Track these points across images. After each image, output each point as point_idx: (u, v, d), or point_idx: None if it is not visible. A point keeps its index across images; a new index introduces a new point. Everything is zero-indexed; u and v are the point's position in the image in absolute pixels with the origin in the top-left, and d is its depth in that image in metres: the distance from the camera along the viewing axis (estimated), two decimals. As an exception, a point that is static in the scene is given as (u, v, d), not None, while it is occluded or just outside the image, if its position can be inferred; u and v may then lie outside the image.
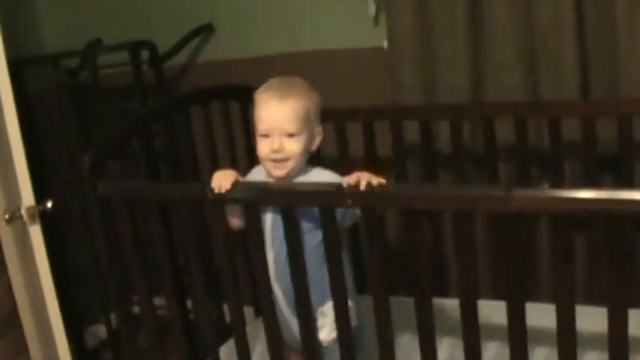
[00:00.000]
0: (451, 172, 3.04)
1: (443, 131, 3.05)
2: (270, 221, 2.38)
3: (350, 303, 2.33)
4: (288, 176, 2.40)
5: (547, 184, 2.94)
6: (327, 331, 2.38)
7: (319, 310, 2.41)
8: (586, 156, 2.80)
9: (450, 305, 2.54)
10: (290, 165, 2.37)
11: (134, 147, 2.92)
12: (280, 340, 2.44)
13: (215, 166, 3.04)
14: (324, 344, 2.42)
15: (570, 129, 2.84)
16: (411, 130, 3.06)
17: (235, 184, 2.30)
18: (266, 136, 2.36)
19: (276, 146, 2.34)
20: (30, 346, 4.00)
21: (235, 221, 2.48)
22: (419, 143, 3.03)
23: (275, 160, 2.37)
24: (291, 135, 2.34)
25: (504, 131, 2.92)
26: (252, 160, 3.13)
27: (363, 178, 2.10)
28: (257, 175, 2.51)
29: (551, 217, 1.89)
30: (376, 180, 2.11)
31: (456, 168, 2.99)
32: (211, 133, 3.12)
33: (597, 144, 2.77)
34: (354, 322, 2.35)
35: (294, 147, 2.35)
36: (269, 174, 2.44)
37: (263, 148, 2.38)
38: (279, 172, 2.38)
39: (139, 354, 2.80)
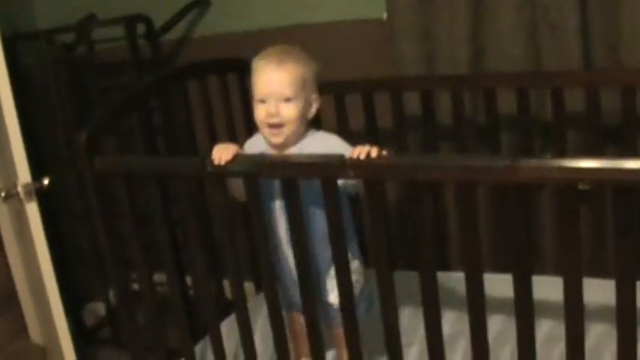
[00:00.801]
0: (452, 144, 3.01)
1: (443, 102, 3.02)
2: (279, 188, 2.35)
3: (357, 264, 2.34)
4: (286, 143, 2.38)
5: (549, 154, 2.91)
6: (336, 292, 2.36)
7: (329, 273, 2.40)
8: (589, 127, 2.78)
9: (451, 278, 2.52)
10: (286, 131, 2.36)
11: (131, 122, 2.89)
12: (281, 314, 2.43)
13: (213, 141, 3.01)
14: (334, 306, 2.41)
15: (573, 99, 2.81)
16: (412, 102, 3.03)
17: (236, 157, 2.27)
18: (263, 101, 2.36)
19: (272, 110, 2.34)
20: (29, 326, 3.99)
21: (238, 193, 2.45)
22: (419, 115, 3.00)
23: (271, 126, 2.36)
24: (287, 100, 2.34)
25: (506, 102, 2.88)
26: (251, 133, 3.11)
27: (365, 150, 2.08)
28: (256, 143, 2.47)
29: (557, 187, 1.86)
30: (377, 151, 2.09)
31: (457, 139, 2.96)
32: (209, 108, 3.09)
33: (600, 114, 2.74)
34: (361, 282, 2.33)
35: (290, 111, 2.34)
36: (268, 142, 2.41)
37: (260, 113, 2.37)
38: (276, 139, 2.37)
39: (138, 331, 2.77)
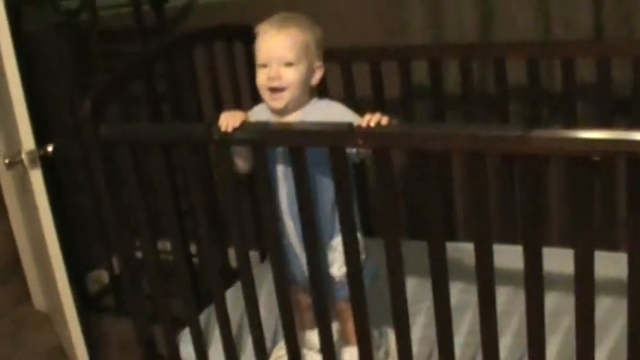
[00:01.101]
0: (460, 113, 2.98)
1: (452, 72, 2.99)
2: (282, 156, 2.33)
3: (358, 236, 2.32)
4: (288, 109, 2.35)
5: (558, 125, 2.89)
6: (337, 265, 2.36)
7: (329, 245, 2.38)
8: (599, 98, 2.75)
9: (457, 249, 2.51)
10: (287, 97, 2.32)
11: (136, 89, 2.86)
12: (287, 281, 2.42)
13: (219, 108, 2.99)
14: (336, 279, 2.40)
15: (583, 70, 2.78)
16: (420, 71, 3.00)
17: (243, 124, 2.25)
18: (264, 65, 2.33)
19: (273, 74, 2.30)
20: (32, 293, 4.01)
21: (241, 163, 2.44)
22: (427, 84, 2.97)
23: (272, 90, 2.33)
24: (289, 64, 2.30)
25: (515, 72, 2.86)
26: (257, 101, 3.09)
27: (375, 118, 2.05)
28: (259, 111, 2.45)
29: (569, 159, 1.85)
30: (386, 119, 2.07)
31: (465, 109, 2.94)
32: (215, 75, 3.06)
33: (611, 86, 2.71)
34: (362, 255, 2.32)
35: (291, 76, 2.30)
36: (269, 108, 2.39)
37: (261, 77, 2.34)
38: (277, 103, 2.34)
39: (142, 299, 2.77)
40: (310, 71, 2.36)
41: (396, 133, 2.06)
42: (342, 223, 2.20)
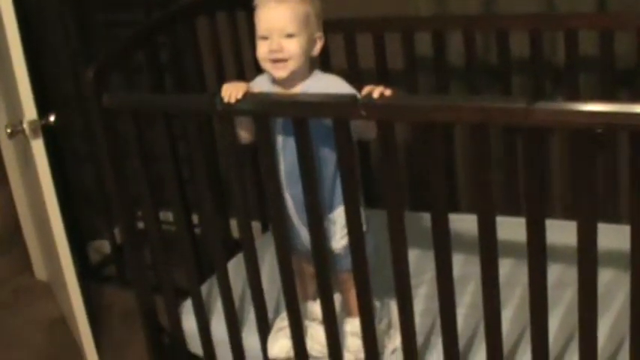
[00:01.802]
0: (463, 85, 2.98)
1: (455, 43, 2.98)
2: (281, 127, 2.33)
3: (361, 210, 2.31)
4: (291, 80, 2.33)
5: (560, 98, 2.89)
6: (337, 238, 2.35)
7: (328, 218, 2.38)
8: (601, 70, 2.74)
9: (459, 220, 2.51)
10: (291, 66, 2.30)
11: (138, 59, 2.86)
12: (290, 252, 2.42)
13: (221, 79, 2.99)
14: (336, 252, 2.40)
15: (586, 42, 2.77)
16: (423, 42, 2.98)
17: (246, 95, 2.24)
18: (265, 37, 2.31)
19: (274, 46, 2.29)
20: (33, 262, 4.01)
21: (243, 134, 2.43)
22: (431, 55, 2.96)
23: (274, 61, 2.31)
24: (290, 35, 2.29)
25: (518, 43, 2.85)
26: (260, 71, 3.08)
27: (378, 90, 2.05)
28: (260, 82, 2.44)
29: (573, 131, 1.84)
30: (389, 91, 2.06)
31: (468, 81, 2.93)
32: (217, 45, 3.05)
33: (614, 58, 2.70)
34: (364, 227, 2.32)
35: (293, 47, 2.29)
36: (272, 79, 2.38)
37: (262, 49, 2.32)
38: (280, 72, 2.32)
39: (144, 269, 2.77)
40: (311, 42, 2.35)
41: (400, 104, 2.05)
42: (345, 195, 2.19)
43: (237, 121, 2.40)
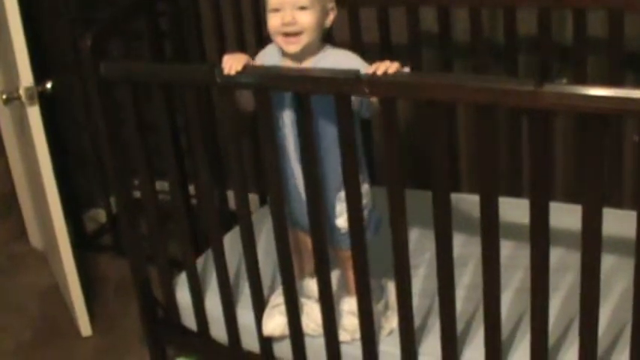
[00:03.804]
0: (468, 63, 2.94)
1: (461, 19, 2.93)
2: (290, 102, 2.28)
3: (366, 187, 2.31)
4: (303, 54, 2.28)
5: (565, 79, 2.85)
6: (345, 217, 2.30)
7: (338, 196, 2.35)
8: (611, 53, 2.69)
9: (460, 200, 2.48)
10: (304, 40, 2.25)
11: (138, 26, 2.81)
12: (287, 227, 2.38)
13: (222, 49, 2.95)
14: (342, 231, 2.37)
15: (595, 22, 2.72)
16: (428, 18, 2.94)
17: (246, 68, 2.20)
18: (277, 10, 2.25)
19: (288, 19, 2.22)
20: (28, 230, 3.99)
21: (244, 102, 2.38)
22: (435, 31, 2.92)
23: (287, 34, 2.25)
24: (303, 8, 2.22)
25: (526, 22, 2.81)
26: (262, 41, 3.04)
27: (383, 67, 2.00)
28: (269, 54, 2.39)
29: (580, 115, 1.80)
30: (394, 67, 2.01)
31: (474, 59, 2.89)
32: (219, 13, 3.01)
33: (623, 40, 2.66)
34: (370, 205, 2.31)
35: (307, 19, 2.22)
36: (282, 52, 2.32)
37: (274, 22, 2.25)
38: (293, 47, 2.26)
39: (139, 239, 2.74)
40: (324, 13, 2.29)
41: (403, 82, 2.00)
42: (344, 172, 2.15)
43: (241, 90, 2.35)
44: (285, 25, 2.22)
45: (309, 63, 2.29)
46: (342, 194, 2.27)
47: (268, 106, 2.22)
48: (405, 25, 2.92)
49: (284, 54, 2.31)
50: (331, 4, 2.30)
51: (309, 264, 2.49)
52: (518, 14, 2.79)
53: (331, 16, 2.31)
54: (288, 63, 2.31)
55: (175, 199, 2.60)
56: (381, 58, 2.07)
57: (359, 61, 2.22)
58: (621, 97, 1.72)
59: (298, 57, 2.28)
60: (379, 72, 1.99)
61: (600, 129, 1.78)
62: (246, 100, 2.36)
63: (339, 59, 2.26)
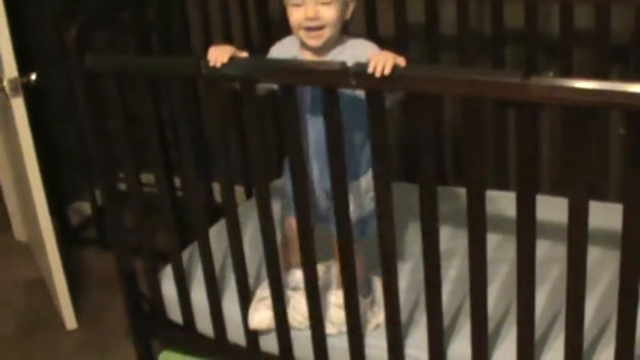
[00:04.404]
0: (455, 55, 2.93)
1: (448, 11, 2.92)
2: (310, 97, 2.28)
3: (364, 181, 2.31)
4: (325, 47, 2.28)
5: (552, 72, 2.84)
6: (352, 207, 2.29)
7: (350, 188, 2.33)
8: (597, 46, 2.69)
9: (447, 193, 2.48)
10: (327, 34, 2.24)
11: (124, 18, 2.80)
12: (272, 221, 2.37)
13: (209, 41, 2.94)
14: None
15: (582, 16, 2.72)
16: (415, 9, 2.93)
17: (232, 59, 2.19)
18: (298, 4, 2.24)
19: (311, 14, 2.22)
20: (13, 224, 3.97)
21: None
22: (422, 23, 2.91)
23: (309, 29, 2.24)
24: (325, 3, 2.22)
25: (513, 14, 2.80)
26: (248, 36, 3.03)
27: (379, 65, 1.96)
28: (288, 45, 2.38)
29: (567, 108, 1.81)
30: (390, 66, 1.96)
31: (460, 51, 2.88)
32: (205, 5, 2.99)
33: (610, 33, 2.66)
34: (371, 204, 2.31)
35: (329, 14, 2.22)
36: (303, 46, 2.32)
37: (296, 17, 2.24)
38: (315, 41, 2.25)
39: (124, 232, 2.73)
40: (345, 5, 2.28)
41: (391, 74, 1.98)
42: (331, 165, 2.15)
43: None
44: (308, 19, 2.22)
45: (329, 56, 2.28)
46: (353, 185, 2.29)
47: (254, 98, 2.22)
48: (392, 17, 2.92)
49: (303, 46, 2.31)
50: None
51: (296, 256, 2.48)
52: (504, 7, 2.79)
53: (351, 7, 2.31)
54: (307, 55, 2.31)
55: (161, 191, 2.59)
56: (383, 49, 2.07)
57: (376, 51, 2.20)
58: (608, 89, 1.73)
59: (318, 50, 2.28)
60: (377, 73, 1.96)
61: (587, 122, 1.78)
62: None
63: (358, 51, 2.23)
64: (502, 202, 2.23)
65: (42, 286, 3.51)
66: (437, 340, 2.22)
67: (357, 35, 2.66)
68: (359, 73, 1.98)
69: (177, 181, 2.91)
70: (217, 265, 2.64)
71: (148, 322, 2.83)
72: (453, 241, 2.56)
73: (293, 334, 2.49)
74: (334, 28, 2.24)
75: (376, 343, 2.36)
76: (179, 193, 2.99)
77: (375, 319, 2.44)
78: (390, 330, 2.28)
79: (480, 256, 2.03)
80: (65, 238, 3.59)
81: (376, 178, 2.09)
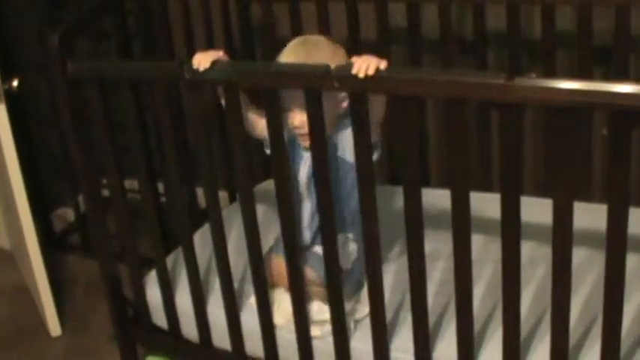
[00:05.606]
0: (437, 58, 2.93)
1: (430, 15, 2.93)
2: (306, 175, 2.34)
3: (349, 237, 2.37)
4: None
5: (534, 74, 2.85)
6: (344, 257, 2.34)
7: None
8: (579, 47, 2.70)
9: (430, 195, 2.47)
10: None
11: (106, 25, 2.79)
12: (256, 225, 2.37)
13: (191, 48, 2.94)
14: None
15: (564, 18, 2.74)
16: (397, 13, 2.94)
17: (215, 64, 2.18)
18: (289, 109, 2.26)
19: (297, 123, 2.24)
20: (-5, 230, 3.95)
21: (257, 128, 2.37)
22: (404, 27, 2.91)
23: (300, 134, 2.27)
24: None
25: (495, 17, 2.82)
26: (230, 42, 3.03)
27: (362, 68, 1.94)
28: None
29: (551, 109, 1.82)
30: (373, 68, 1.94)
31: (442, 54, 2.89)
32: (187, 12, 2.99)
33: (592, 35, 2.67)
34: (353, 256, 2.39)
35: None
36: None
37: (288, 119, 2.27)
38: (307, 142, 2.21)
39: (108, 238, 2.72)
40: (335, 105, 2.26)
41: (375, 77, 1.98)
42: (317, 186, 2.16)
43: (244, 116, 2.32)
44: (297, 127, 2.25)
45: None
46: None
47: (237, 101, 2.22)
48: (373, 20, 2.92)
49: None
50: (342, 94, 2.25)
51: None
52: (487, 9, 2.80)
53: (344, 104, 2.26)
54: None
55: (145, 197, 2.58)
56: (350, 54, 2.06)
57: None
58: (591, 90, 1.73)
59: None
60: (361, 73, 1.94)
61: (570, 122, 1.79)
62: (254, 126, 2.37)
63: None
64: (486, 204, 2.23)
65: (25, 292, 3.50)
66: (423, 342, 2.22)
67: (340, 40, 2.68)
68: (342, 75, 1.98)
69: (160, 187, 2.89)
70: (202, 269, 2.64)
71: (133, 327, 2.83)
72: (437, 243, 2.56)
73: (278, 336, 2.49)
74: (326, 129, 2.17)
75: (362, 346, 2.35)
76: (162, 199, 2.99)
77: (359, 313, 2.45)
78: (376, 332, 2.28)
79: (465, 258, 2.03)
80: (49, 245, 3.57)
81: (361, 180, 2.09)
